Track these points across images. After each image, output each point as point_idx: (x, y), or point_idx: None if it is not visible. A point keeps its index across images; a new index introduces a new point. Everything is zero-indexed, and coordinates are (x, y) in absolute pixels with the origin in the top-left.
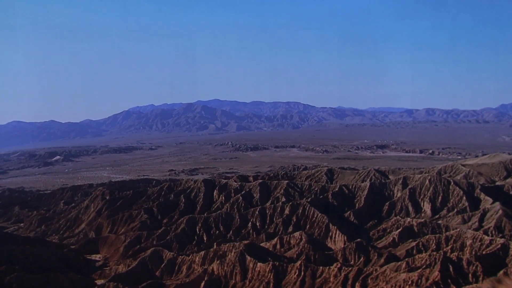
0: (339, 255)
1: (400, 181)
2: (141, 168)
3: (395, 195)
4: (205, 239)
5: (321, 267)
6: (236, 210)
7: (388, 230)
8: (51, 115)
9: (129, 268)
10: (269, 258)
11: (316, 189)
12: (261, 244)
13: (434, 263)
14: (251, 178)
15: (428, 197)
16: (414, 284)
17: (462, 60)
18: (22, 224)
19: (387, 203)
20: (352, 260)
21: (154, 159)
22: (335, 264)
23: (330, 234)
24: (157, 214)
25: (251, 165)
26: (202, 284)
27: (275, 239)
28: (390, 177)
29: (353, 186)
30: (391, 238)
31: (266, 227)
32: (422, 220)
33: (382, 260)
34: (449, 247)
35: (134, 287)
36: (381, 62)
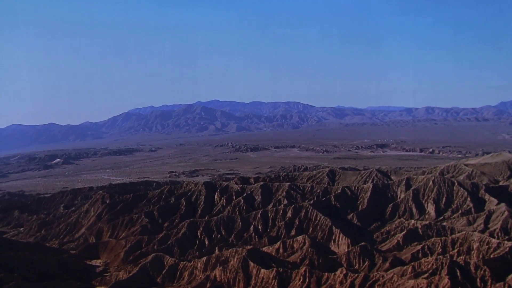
0: (343, 259)
1: (403, 182)
2: (141, 170)
3: (398, 197)
4: (206, 243)
5: (326, 273)
6: (237, 213)
7: (392, 232)
8: (51, 118)
9: (130, 274)
10: (273, 264)
11: (318, 191)
12: (264, 248)
13: (441, 268)
14: (252, 180)
15: (432, 198)
16: None
17: (463, 57)
18: (22, 229)
19: (390, 205)
20: (357, 265)
21: (154, 160)
22: (340, 270)
23: (334, 237)
24: (157, 218)
25: (251, 166)
26: None
27: (278, 243)
28: (392, 177)
29: (356, 188)
30: (396, 241)
31: (268, 230)
32: (427, 222)
33: (387, 264)
34: (456, 250)
35: None
36: (381, 59)
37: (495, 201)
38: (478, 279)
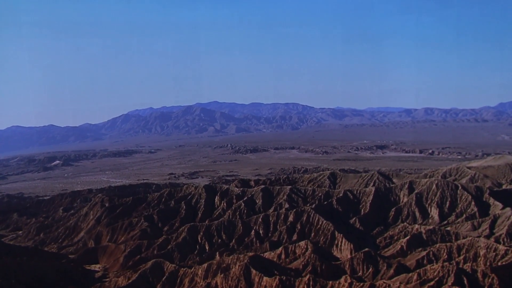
0: (347, 266)
1: (406, 186)
2: (141, 172)
3: (401, 200)
4: (207, 248)
5: (330, 282)
6: (238, 217)
7: (396, 237)
8: (50, 120)
9: (129, 281)
10: (276, 271)
11: (320, 194)
12: (265, 254)
13: (447, 275)
14: (252, 183)
15: (435, 202)
16: None
17: (463, 57)
18: (20, 232)
19: (393, 209)
20: (360, 271)
21: (153, 162)
22: (344, 278)
23: (336, 242)
24: (157, 222)
25: (251, 167)
26: None
27: (280, 248)
28: (393, 180)
29: (358, 191)
30: (399, 246)
31: (269, 235)
32: (431, 227)
33: (391, 271)
34: (462, 257)
35: None
36: (381, 60)
37: (500, 205)
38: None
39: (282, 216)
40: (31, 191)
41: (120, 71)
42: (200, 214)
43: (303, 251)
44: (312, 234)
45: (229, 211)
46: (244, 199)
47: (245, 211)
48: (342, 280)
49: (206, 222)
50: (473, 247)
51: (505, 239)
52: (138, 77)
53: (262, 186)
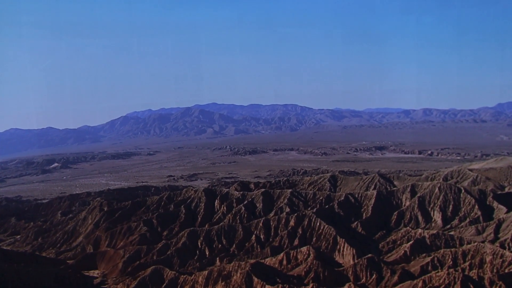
0: (350, 272)
1: (408, 189)
2: (140, 174)
3: (403, 204)
4: (207, 253)
5: None
6: (238, 221)
7: (398, 242)
8: (49, 122)
9: None
10: (278, 279)
11: (321, 198)
12: (266, 260)
13: (453, 283)
14: (252, 186)
15: (438, 206)
16: None
17: (464, 57)
18: (18, 237)
19: (395, 213)
20: (364, 278)
21: (152, 164)
22: (347, 286)
23: (338, 247)
24: (156, 226)
25: (250, 169)
26: None
27: (282, 254)
28: (395, 182)
29: (359, 195)
30: (402, 252)
31: (270, 240)
32: (435, 231)
33: (395, 278)
34: (467, 263)
35: None
36: (381, 60)
37: (504, 209)
38: None
39: (283, 221)
40: (29, 194)
41: (119, 72)
42: (200, 218)
43: (305, 257)
44: (314, 239)
45: (229, 215)
46: (244, 203)
47: (246, 215)
48: (345, 287)
49: (206, 226)
50: (478, 253)
51: (510, 244)
52: (137, 78)
53: (262, 190)
